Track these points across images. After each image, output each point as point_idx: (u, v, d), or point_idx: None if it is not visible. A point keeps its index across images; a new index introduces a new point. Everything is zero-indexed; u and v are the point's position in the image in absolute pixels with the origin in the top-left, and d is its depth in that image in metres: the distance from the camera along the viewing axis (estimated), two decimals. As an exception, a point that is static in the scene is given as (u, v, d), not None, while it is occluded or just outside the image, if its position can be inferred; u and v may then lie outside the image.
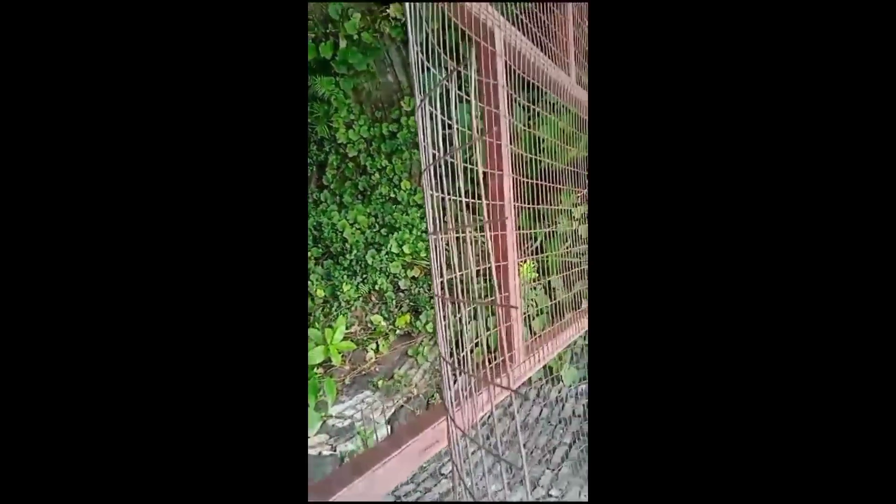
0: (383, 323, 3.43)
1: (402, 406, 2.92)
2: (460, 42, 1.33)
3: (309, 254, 3.97)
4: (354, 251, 3.78)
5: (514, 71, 1.51)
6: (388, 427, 2.70)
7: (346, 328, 3.24)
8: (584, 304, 2.07)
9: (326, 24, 3.87)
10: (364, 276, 3.63)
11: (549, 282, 2.07)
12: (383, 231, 3.93)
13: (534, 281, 2.06)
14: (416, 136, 4.07)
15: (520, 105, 1.63)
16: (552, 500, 2.52)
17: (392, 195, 4.10)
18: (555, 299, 1.90)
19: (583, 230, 2.29)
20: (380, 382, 3.12)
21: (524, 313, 1.60)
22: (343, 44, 3.82)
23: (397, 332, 3.44)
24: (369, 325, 3.46)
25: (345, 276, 3.62)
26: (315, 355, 2.97)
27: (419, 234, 3.75)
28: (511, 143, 1.47)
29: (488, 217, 1.48)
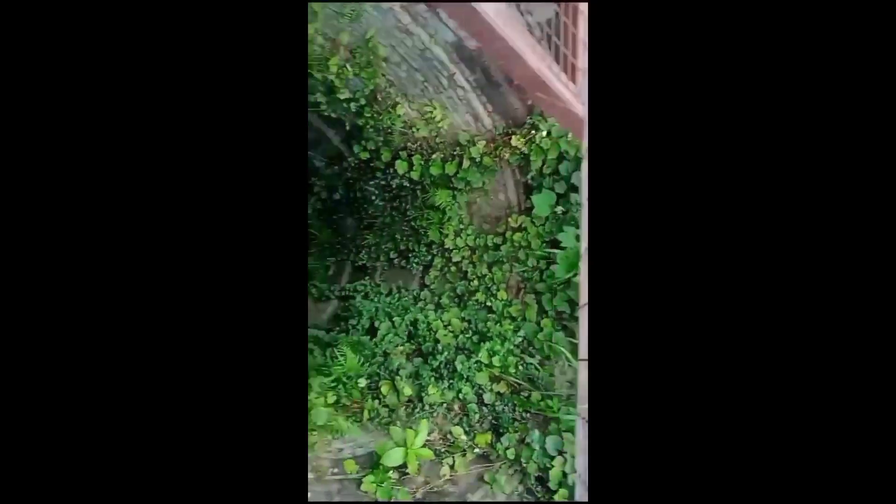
0: (463, 437, 3.29)
1: (472, 540, 2.65)
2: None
3: (402, 348, 4.09)
4: (445, 353, 3.82)
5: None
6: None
7: (427, 435, 3.16)
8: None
9: (455, 147, 4.43)
10: (451, 381, 3.60)
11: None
12: (475, 338, 3.96)
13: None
14: (517, 250, 4.24)
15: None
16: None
17: (488, 304, 4.18)
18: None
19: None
20: (451, 505, 2.91)
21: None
22: (466, 164, 4.30)
23: (476, 450, 3.26)
24: (449, 435, 3.35)
25: (432, 378, 3.63)
26: (393, 456, 2.91)
27: (510, 347, 3.70)
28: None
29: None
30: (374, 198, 5.00)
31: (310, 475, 2.89)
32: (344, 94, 4.36)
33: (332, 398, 3.60)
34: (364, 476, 2.93)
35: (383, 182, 4.86)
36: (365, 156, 4.78)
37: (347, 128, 4.84)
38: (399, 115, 4.42)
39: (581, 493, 1.22)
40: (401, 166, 4.55)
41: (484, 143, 4.27)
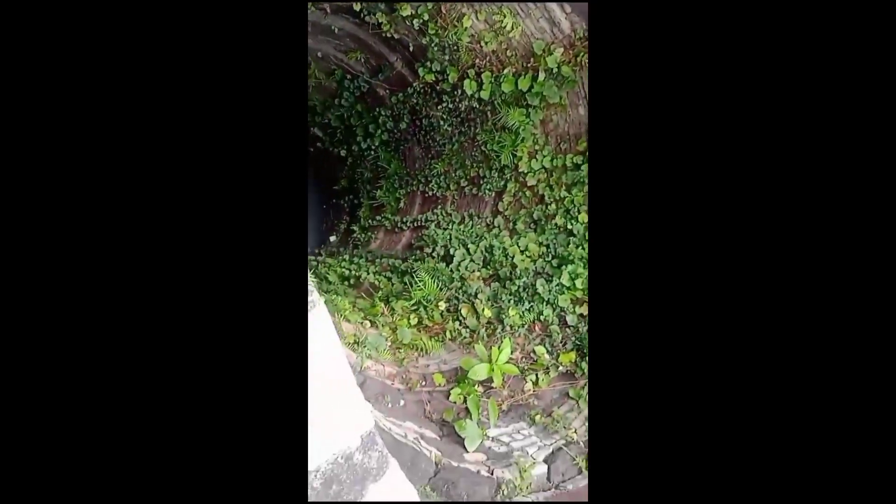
0: (546, 356, 3.29)
1: (560, 448, 2.72)
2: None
3: (478, 273, 4.09)
4: (523, 278, 3.76)
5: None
6: (547, 466, 2.53)
7: (510, 351, 3.19)
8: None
9: (528, 58, 4.06)
10: (531, 303, 3.57)
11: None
12: (554, 262, 3.84)
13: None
14: (599, 169, 3.93)
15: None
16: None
17: (568, 227, 4.00)
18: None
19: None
20: (537, 417, 2.97)
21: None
22: (542, 76, 3.95)
23: (559, 368, 3.26)
24: (532, 354, 3.36)
25: (511, 301, 3.61)
26: (479, 371, 2.99)
27: (594, 269, 3.55)
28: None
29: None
30: (442, 123, 4.82)
31: (401, 386, 3.07)
32: (406, 11, 4.09)
33: (414, 320, 3.73)
34: (451, 388, 3.05)
35: (451, 106, 4.64)
36: (430, 78, 4.55)
37: (410, 49, 4.60)
38: (465, 29, 4.09)
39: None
40: (469, 86, 4.29)
41: (562, 50, 3.86)
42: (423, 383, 3.11)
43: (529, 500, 2.32)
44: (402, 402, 2.73)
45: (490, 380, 3.06)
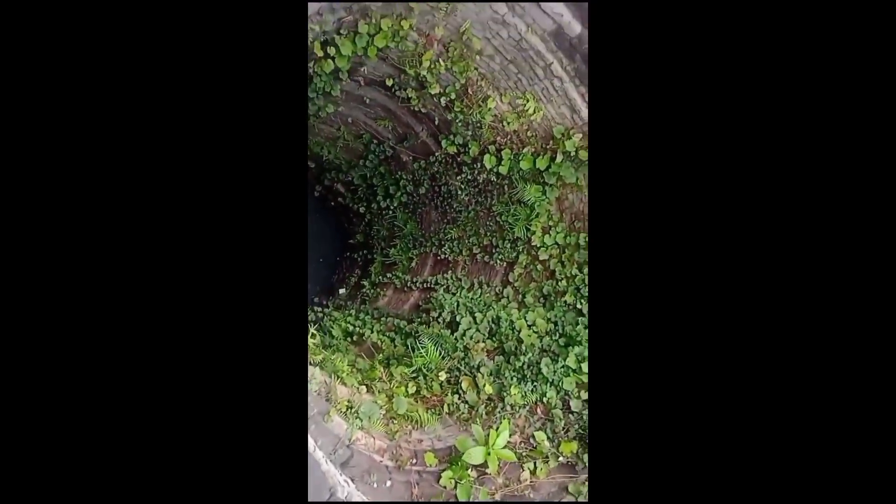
0: (546, 443, 3.12)
1: (555, 554, 2.49)
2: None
3: (483, 345, 4.01)
4: (528, 355, 3.67)
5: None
6: (538, 576, 2.30)
7: (508, 434, 3.03)
8: None
9: (548, 140, 4.24)
10: (534, 383, 3.44)
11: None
12: (561, 341, 3.75)
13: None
14: (612, 250, 3.94)
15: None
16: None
17: (578, 306, 3.94)
18: None
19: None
20: (532, 513, 2.76)
21: None
22: (559, 158, 4.09)
23: (559, 458, 3.07)
24: (531, 439, 3.19)
25: (514, 379, 3.50)
26: (474, 455, 2.83)
27: (602, 354, 3.44)
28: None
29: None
30: (459, 192, 4.97)
31: (390, 463, 2.91)
32: (435, 89, 4.38)
33: (412, 388, 3.62)
34: (443, 470, 2.88)
35: (469, 177, 4.81)
36: (452, 150, 4.76)
37: (436, 122, 4.86)
38: (489, 109, 4.33)
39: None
40: (489, 161, 4.46)
41: (580, 136, 4.03)
42: (414, 461, 2.95)
43: (528, 499, 2.11)
44: (388, 483, 2.58)
45: (485, 464, 2.89)
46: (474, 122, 4.48)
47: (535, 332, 3.92)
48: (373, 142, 5.72)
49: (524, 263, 4.56)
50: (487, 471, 2.90)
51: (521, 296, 4.45)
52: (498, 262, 4.82)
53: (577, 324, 3.80)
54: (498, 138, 4.52)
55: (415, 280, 5.53)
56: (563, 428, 3.22)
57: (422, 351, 3.89)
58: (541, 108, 4.16)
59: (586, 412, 3.24)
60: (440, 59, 4.14)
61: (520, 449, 3.15)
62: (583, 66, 3.74)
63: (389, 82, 4.55)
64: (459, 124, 4.55)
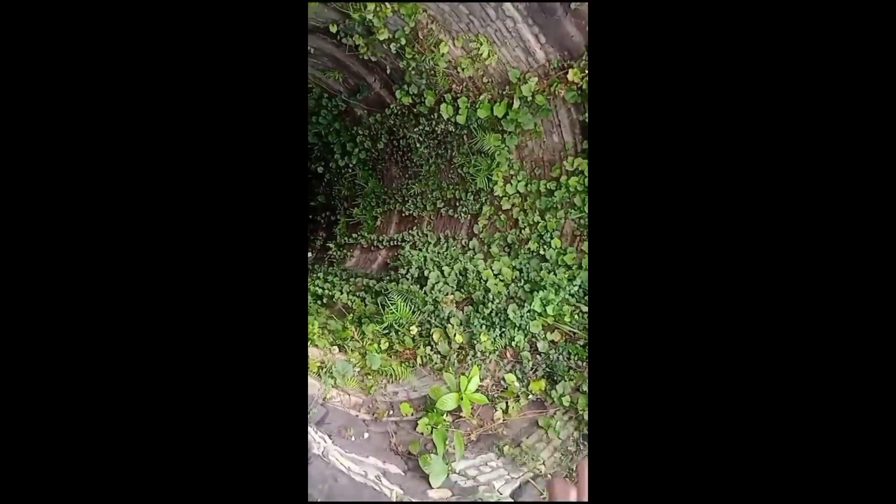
0: (516, 383, 3.27)
1: (528, 482, 2.68)
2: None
3: (452, 297, 4.07)
4: (496, 302, 3.76)
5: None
6: (513, 501, 2.49)
7: (479, 380, 3.16)
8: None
9: (504, 86, 4.13)
10: (503, 329, 3.56)
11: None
12: (527, 287, 3.85)
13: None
14: (573, 195, 3.98)
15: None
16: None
17: (541, 252, 4.03)
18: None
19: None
20: (506, 448, 2.94)
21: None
22: (517, 104, 4.01)
23: (529, 396, 3.25)
24: (502, 382, 3.34)
25: (483, 326, 3.60)
26: (447, 401, 2.95)
27: (565, 296, 3.57)
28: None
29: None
30: (418, 145, 4.84)
31: (367, 417, 3.00)
32: (383, 35, 4.12)
33: (384, 344, 3.68)
34: (419, 418, 3.00)
35: (427, 128, 4.67)
36: (407, 101, 4.58)
37: (388, 71, 4.62)
38: (442, 55, 4.13)
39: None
40: (445, 110, 4.33)
41: (536, 79, 3.93)
42: (391, 413, 3.05)
43: (525, 499, 2.27)
44: (366, 435, 2.67)
45: (459, 409, 3.02)
46: (428, 70, 4.29)
47: (502, 281, 4.00)
48: (324, 96, 5.41)
49: (488, 214, 4.57)
50: (462, 414, 3.04)
51: (486, 246, 4.50)
52: (462, 214, 4.81)
53: (541, 269, 3.90)
54: (453, 86, 4.36)
55: (381, 239, 5.47)
56: (532, 368, 3.39)
57: (392, 308, 3.92)
58: (494, 51, 4.01)
59: (553, 352, 3.40)
60: (386, 2, 3.87)
61: (492, 391, 3.31)
62: (535, 5, 3.59)
63: (334, 28, 4.25)
64: (412, 72, 4.34)
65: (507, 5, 3.67)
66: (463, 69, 4.16)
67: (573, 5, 3.48)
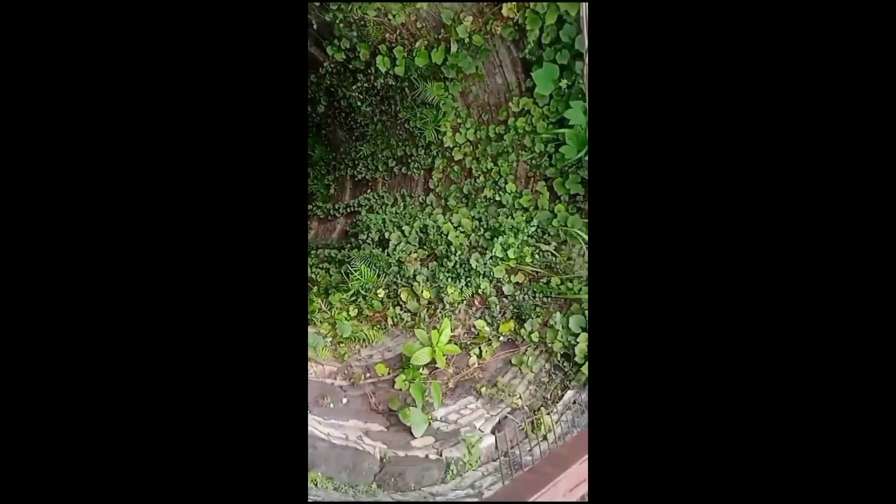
0: (487, 328, 3.36)
1: (506, 416, 2.81)
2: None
3: (415, 255, 4.06)
4: (458, 254, 3.78)
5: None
6: (494, 436, 2.62)
7: (450, 331, 3.22)
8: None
9: (439, 29, 3.93)
10: (468, 279, 3.60)
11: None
12: (487, 235, 3.87)
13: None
14: (522, 136, 3.95)
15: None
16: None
17: (497, 198, 4.02)
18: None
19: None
20: (483, 389, 3.05)
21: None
22: (454, 48, 3.85)
23: (500, 338, 3.34)
24: (473, 329, 3.42)
25: (449, 279, 3.63)
26: (421, 356, 3.00)
27: (525, 238, 3.62)
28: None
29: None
30: (360, 104, 4.62)
31: (343, 383, 3.02)
32: (304, -16, 3.80)
33: (353, 311, 3.67)
34: (396, 376, 3.05)
35: (366, 84, 4.44)
36: (340, 56, 4.31)
37: (314, 27, 4.31)
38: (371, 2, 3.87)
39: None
40: (382, 63, 4.11)
41: (471, 18, 3.76)
42: (367, 375, 3.09)
43: (530, 500, 2.36)
44: (344, 401, 2.70)
45: (434, 362, 3.09)
46: (357, 21, 4.02)
47: (462, 232, 4.00)
48: (251, 62, 5.02)
49: (441, 168, 4.49)
50: (438, 366, 3.12)
51: (443, 200, 4.45)
52: (415, 171, 4.71)
53: (499, 215, 3.91)
54: (387, 35, 4.12)
55: (337, 207, 5.33)
56: (500, 311, 3.47)
57: (357, 275, 3.88)
58: (425, -8, 3.78)
59: (518, 293, 3.48)
60: (299, -54, 3.54)
61: (464, 339, 3.38)
62: (459, -66, 3.36)
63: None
64: (341, 25, 4.06)
65: (430, -62, 3.43)
66: (394, 16, 3.92)
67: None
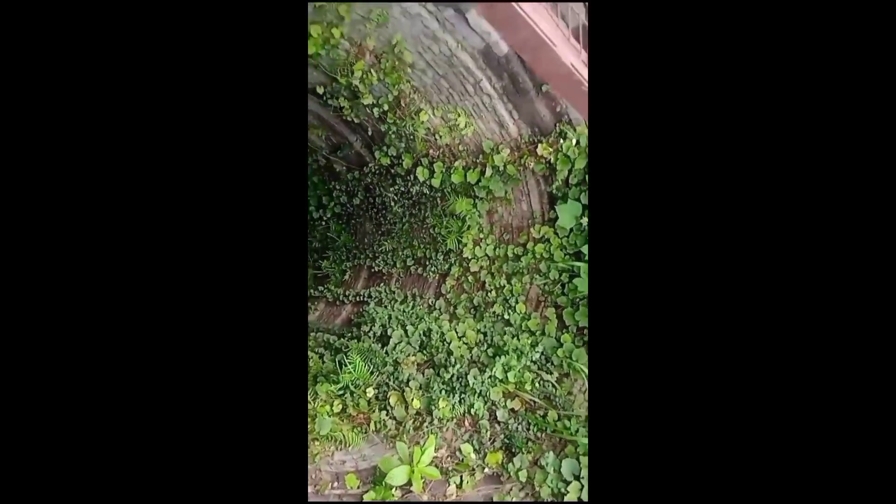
0: (473, 455, 3.10)
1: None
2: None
3: (413, 358, 3.95)
4: (458, 366, 3.66)
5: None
6: None
7: (434, 451, 2.99)
8: None
9: (478, 155, 4.33)
10: (462, 395, 3.43)
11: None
12: (490, 351, 3.79)
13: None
14: (539, 261, 4.07)
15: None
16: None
17: (506, 316, 4.01)
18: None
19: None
20: (456, 528, 2.71)
21: None
22: (489, 172, 4.19)
23: (485, 470, 3.07)
24: (458, 453, 3.16)
25: (443, 392, 3.47)
26: (397, 476, 2.74)
27: (527, 363, 3.51)
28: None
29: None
30: (393, 204, 4.93)
31: (310, 488, 2.75)
32: (367, 100, 4.33)
33: (338, 406, 3.48)
34: (366, 492, 2.77)
35: (403, 189, 4.79)
36: (386, 161, 4.73)
37: (369, 133, 4.81)
38: (422, 122, 4.35)
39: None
40: (421, 173, 4.48)
41: (508, 151, 4.15)
42: (335, 484, 2.81)
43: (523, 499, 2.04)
44: (303, 509, 2.42)
45: (410, 483, 2.81)
46: (407, 134, 4.48)
47: (465, 344, 3.93)
48: (304, 150, 5.54)
49: (456, 275, 4.58)
50: (412, 489, 2.83)
51: (452, 307, 4.46)
52: (431, 273, 4.81)
53: (505, 333, 3.86)
54: (431, 151, 4.54)
55: (347, 293, 5.37)
56: (490, 438, 3.23)
57: (350, 367, 3.76)
58: (471, 123, 4.25)
59: (512, 421, 3.27)
60: (372, 70, 4.12)
61: (446, 463, 3.11)
62: (510, 85, 3.88)
63: (321, 90, 4.44)
64: (393, 136, 4.53)
65: (485, 84, 3.96)
66: (441, 137, 4.37)
67: (544, 87, 3.78)
